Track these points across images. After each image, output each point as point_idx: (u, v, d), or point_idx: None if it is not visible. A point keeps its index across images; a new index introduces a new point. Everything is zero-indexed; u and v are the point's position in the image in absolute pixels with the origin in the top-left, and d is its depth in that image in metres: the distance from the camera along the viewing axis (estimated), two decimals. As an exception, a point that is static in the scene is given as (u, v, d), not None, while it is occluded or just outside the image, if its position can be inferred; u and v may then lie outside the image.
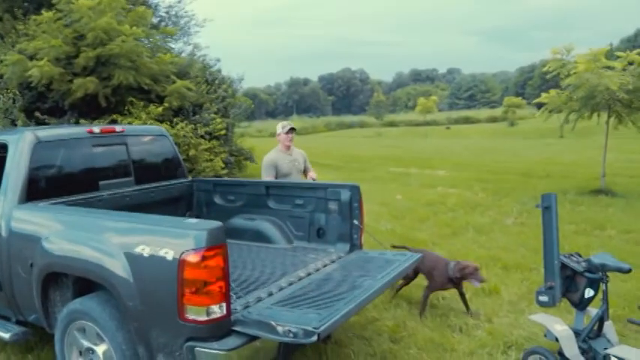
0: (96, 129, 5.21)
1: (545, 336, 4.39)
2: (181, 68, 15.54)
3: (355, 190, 4.96)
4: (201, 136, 14.81)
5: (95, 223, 3.84)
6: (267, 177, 6.29)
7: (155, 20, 17.18)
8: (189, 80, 14.66)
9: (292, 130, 6.50)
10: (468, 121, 65.82)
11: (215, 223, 3.30)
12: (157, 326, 3.39)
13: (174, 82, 13.76)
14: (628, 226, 9.25)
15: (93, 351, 3.82)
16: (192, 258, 3.19)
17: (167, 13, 19.19)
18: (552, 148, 26.14)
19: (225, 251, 3.28)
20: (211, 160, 13.89)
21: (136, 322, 3.46)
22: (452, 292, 6.19)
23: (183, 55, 17.74)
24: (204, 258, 3.19)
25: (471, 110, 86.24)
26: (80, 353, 3.93)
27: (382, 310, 5.81)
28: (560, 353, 4.18)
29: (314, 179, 6.49)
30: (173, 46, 17.39)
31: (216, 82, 17.20)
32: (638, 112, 12.09)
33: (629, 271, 4.13)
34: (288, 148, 6.51)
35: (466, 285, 6.18)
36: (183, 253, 3.21)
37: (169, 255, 3.27)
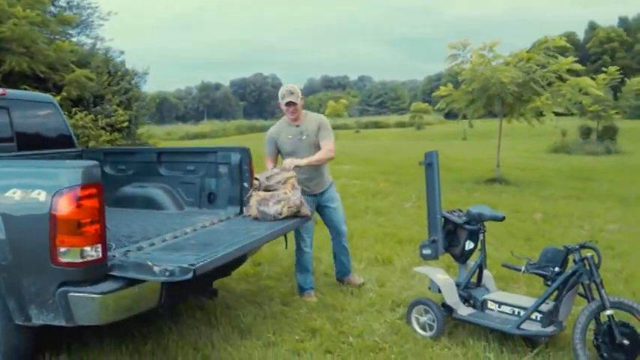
0: (-28, 90, 4.94)
1: (429, 288, 4.55)
2: (82, 58, 15.01)
3: (245, 152, 4.95)
4: (102, 128, 14.37)
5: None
6: (266, 155, 5.31)
7: (54, 10, 16.50)
8: (89, 70, 14.18)
9: (291, 104, 5.14)
10: (377, 125, 67.05)
11: (90, 162, 3.20)
12: (29, 274, 3.22)
13: (73, 71, 13.27)
14: (517, 207, 9.77)
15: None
16: (66, 197, 3.09)
17: (68, 3, 18.48)
18: (455, 148, 27.08)
19: (101, 191, 3.19)
20: (113, 151, 13.45)
21: (6, 273, 3.27)
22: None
23: (85, 47, 17.16)
24: (78, 197, 3.09)
25: (381, 116, 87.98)
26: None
27: (277, 280, 5.83)
28: (444, 304, 4.33)
29: (288, 162, 4.94)
30: (74, 39, 16.79)
31: (119, 73, 16.72)
32: (527, 104, 12.79)
33: (502, 218, 4.37)
34: (294, 119, 5.24)
35: (361, 255, 6.33)
36: (56, 192, 3.10)
37: (42, 196, 3.14)
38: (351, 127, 60.54)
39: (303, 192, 4.94)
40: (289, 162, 4.94)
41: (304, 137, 5.20)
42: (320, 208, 5.47)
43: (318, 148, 5.22)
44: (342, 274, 5.66)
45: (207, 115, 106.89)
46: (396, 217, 9.12)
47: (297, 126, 5.24)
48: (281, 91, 5.23)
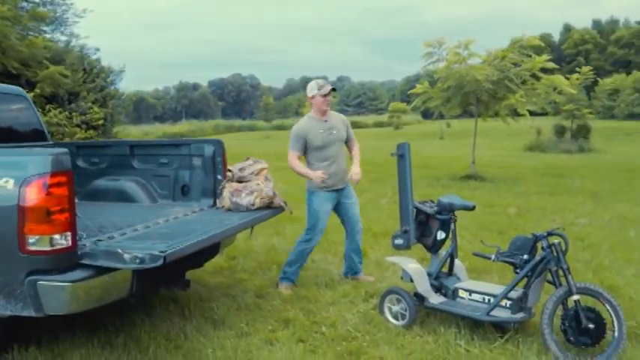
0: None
1: (401, 278, 4.59)
2: (56, 54, 14.88)
3: (218, 145, 4.95)
4: (77, 125, 14.27)
5: None
6: (292, 151, 5.25)
7: (27, 5, 16.32)
8: (64, 67, 14.07)
9: (333, 90, 5.31)
10: (356, 125, 66.62)
11: (60, 150, 3.18)
12: (-3, 264, 3.19)
13: (47, 68, 13.15)
14: (491, 202, 9.90)
15: None
16: (35, 184, 3.05)
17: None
18: (432, 147, 27.34)
19: (71, 178, 3.17)
20: (87, 149, 13.36)
21: (-27, 264, 3.23)
22: (320, 257, 6.35)
23: (59, 44, 16.99)
24: (47, 184, 3.06)
25: (360, 116, 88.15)
26: None
27: (251, 273, 5.84)
28: (416, 293, 4.37)
29: (355, 176, 5.22)
30: (48, 36, 16.63)
31: (95, 71, 16.61)
32: (501, 102, 12.95)
33: (473, 208, 4.44)
34: (324, 113, 5.34)
35: (336, 248, 6.34)
36: (24, 179, 3.06)
37: (10, 184, 3.11)
38: (329, 127, 60.62)
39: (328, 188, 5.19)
40: (356, 175, 5.21)
41: (334, 132, 5.31)
42: (338, 204, 5.49)
43: (342, 143, 5.41)
44: (354, 272, 5.61)
45: (185, 115, 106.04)
46: (371, 212, 9.16)
47: (326, 121, 5.32)
48: (317, 83, 5.29)
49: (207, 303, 4.84)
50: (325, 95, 5.24)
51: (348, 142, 5.51)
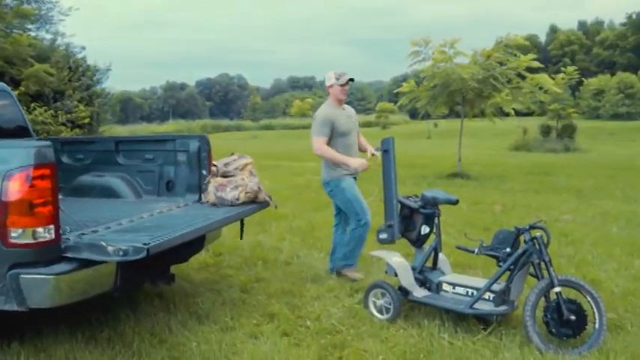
0: None
1: (386, 272, 4.62)
2: (41, 52, 14.81)
3: (203, 140, 4.94)
4: (63, 124, 14.21)
5: None
6: (320, 136, 5.30)
7: (10, 2, 16.21)
8: (49, 65, 14.01)
9: (350, 80, 5.48)
10: (343, 125, 67.29)
11: (43, 142, 3.18)
12: (-21, 258, 3.18)
13: (32, 66, 13.08)
14: (477, 199, 9.97)
15: None
16: (18, 177, 3.06)
17: (26, -2, 18.15)
18: (419, 146, 27.39)
19: (55, 171, 3.17)
20: (73, 148, 13.33)
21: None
22: (305, 252, 6.38)
23: (44, 42, 16.89)
24: (30, 177, 3.06)
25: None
26: None
27: (237, 269, 5.85)
28: (400, 287, 4.40)
29: (373, 154, 5.46)
30: (33, 34, 16.52)
31: (80, 69, 16.52)
32: (487, 100, 13.04)
33: (456, 201, 4.48)
34: (340, 102, 5.53)
35: (322, 245, 6.35)
36: (7, 172, 3.06)
37: (-8, 177, 3.10)
38: (316, 127, 60.57)
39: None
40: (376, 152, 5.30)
41: (353, 119, 5.58)
42: None
43: (357, 131, 5.66)
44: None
45: (172, 115, 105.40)
46: (357, 210, 9.19)
47: (344, 109, 5.55)
48: (335, 73, 5.45)
49: (192, 298, 4.84)
50: (343, 85, 5.41)
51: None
